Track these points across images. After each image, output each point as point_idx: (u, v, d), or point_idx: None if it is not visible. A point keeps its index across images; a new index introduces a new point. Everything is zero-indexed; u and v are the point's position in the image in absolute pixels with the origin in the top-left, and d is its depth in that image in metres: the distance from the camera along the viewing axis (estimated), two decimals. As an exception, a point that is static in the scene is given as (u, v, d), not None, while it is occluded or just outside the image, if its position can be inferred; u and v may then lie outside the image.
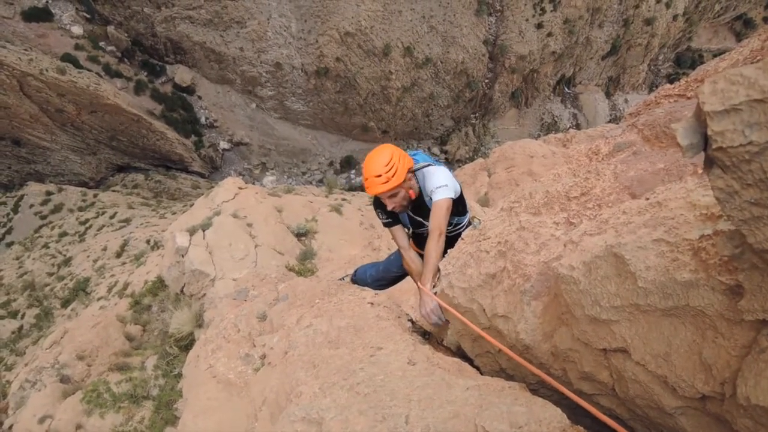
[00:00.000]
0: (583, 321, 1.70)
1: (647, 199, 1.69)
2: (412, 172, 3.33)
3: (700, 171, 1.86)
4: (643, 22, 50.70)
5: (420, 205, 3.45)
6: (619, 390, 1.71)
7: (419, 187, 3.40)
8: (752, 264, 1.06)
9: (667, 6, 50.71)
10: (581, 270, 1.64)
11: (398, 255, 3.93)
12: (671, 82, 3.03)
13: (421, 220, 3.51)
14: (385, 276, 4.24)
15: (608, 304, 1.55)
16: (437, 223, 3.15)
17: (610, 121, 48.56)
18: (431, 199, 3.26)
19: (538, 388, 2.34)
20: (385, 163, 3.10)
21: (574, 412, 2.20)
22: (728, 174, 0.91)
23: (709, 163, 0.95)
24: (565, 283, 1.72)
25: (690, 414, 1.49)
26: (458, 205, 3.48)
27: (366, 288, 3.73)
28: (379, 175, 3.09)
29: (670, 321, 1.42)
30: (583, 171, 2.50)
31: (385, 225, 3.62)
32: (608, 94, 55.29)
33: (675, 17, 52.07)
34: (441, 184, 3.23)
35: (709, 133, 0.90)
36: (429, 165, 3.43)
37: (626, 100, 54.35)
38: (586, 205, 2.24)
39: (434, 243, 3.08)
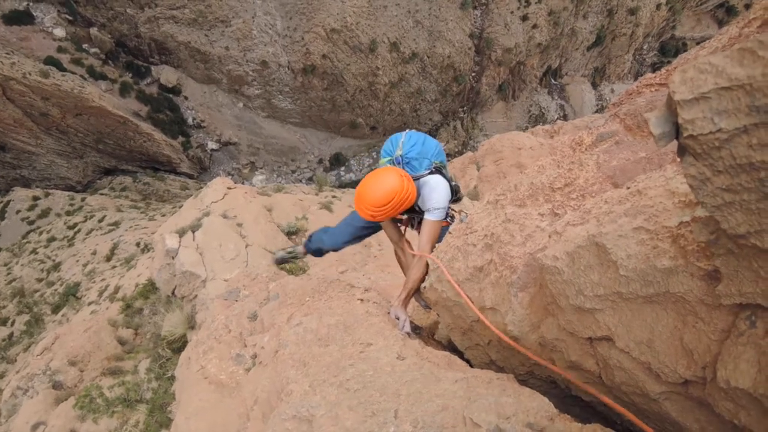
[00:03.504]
0: (568, 311, 1.72)
1: (628, 188, 1.71)
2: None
3: (679, 160, 1.89)
4: (627, 11, 51.00)
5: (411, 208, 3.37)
6: (606, 378, 1.73)
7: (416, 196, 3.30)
8: (728, 249, 1.08)
9: (650, -5, 51.12)
10: (565, 260, 1.65)
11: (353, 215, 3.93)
12: (656, 70, 3.03)
13: (407, 216, 3.51)
14: (356, 234, 4.12)
15: (592, 293, 1.57)
16: (424, 244, 3.15)
17: (597, 111, 48.85)
18: (424, 210, 3.24)
19: (527, 379, 2.36)
20: (381, 204, 2.91)
21: (564, 402, 2.23)
22: (700, 161, 0.93)
23: (682, 151, 0.96)
24: (549, 274, 1.74)
25: (674, 399, 1.52)
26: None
27: (356, 284, 3.71)
28: (367, 210, 2.95)
29: (651, 308, 1.44)
30: (567, 162, 2.52)
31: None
32: (594, 85, 55.60)
33: (658, 6, 52.41)
34: (440, 206, 3.18)
35: (680, 121, 0.91)
36: (432, 172, 3.30)
37: (612, 90, 54.68)
38: (570, 196, 2.26)
39: (416, 268, 3.08)
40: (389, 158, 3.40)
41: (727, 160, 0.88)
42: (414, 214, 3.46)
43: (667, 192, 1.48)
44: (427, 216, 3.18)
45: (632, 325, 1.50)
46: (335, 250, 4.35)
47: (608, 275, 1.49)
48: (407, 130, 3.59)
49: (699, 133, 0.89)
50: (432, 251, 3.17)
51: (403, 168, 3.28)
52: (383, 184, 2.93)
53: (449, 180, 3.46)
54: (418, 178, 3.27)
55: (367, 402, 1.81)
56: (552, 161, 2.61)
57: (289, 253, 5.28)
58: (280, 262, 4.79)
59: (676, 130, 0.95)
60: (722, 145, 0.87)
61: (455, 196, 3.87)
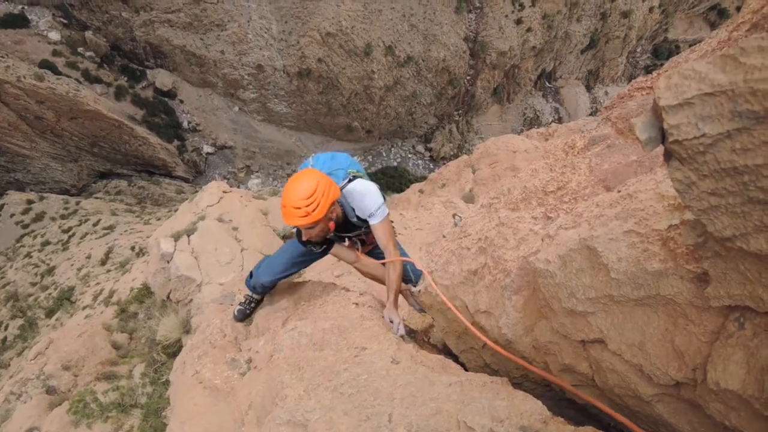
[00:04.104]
0: (560, 314, 1.73)
1: (619, 191, 1.73)
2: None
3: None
4: (620, 14, 51.38)
5: (344, 223, 3.27)
6: (599, 380, 1.74)
7: (342, 210, 3.20)
8: (715, 252, 1.09)
9: (643, -1, 51.51)
10: (557, 263, 1.66)
11: (291, 243, 3.67)
12: (649, 73, 3.04)
13: (347, 235, 3.40)
14: (292, 262, 3.74)
15: (584, 296, 1.58)
16: (386, 246, 3.12)
17: (591, 114, 49.11)
18: (363, 219, 3.15)
19: (521, 382, 2.37)
20: (306, 196, 2.80)
21: (558, 404, 2.24)
22: (685, 166, 0.94)
23: (668, 156, 0.98)
24: (542, 277, 1.75)
25: (666, 401, 1.53)
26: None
27: (351, 288, 3.69)
28: (299, 208, 2.81)
29: (643, 310, 1.45)
30: (560, 165, 2.54)
31: (323, 253, 3.41)
32: (589, 88, 55.94)
33: (651, 9, 52.84)
34: (378, 206, 3.09)
35: (666, 126, 0.92)
36: (351, 180, 3.17)
37: (606, 93, 55.02)
38: (562, 199, 2.27)
39: (392, 270, 3.07)
40: None
41: (711, 164, 0.90)
42: (357, 230, 3.37)
43: (657, 195, 1.49)
44: (372, 222, 3.12)
45: (624, 328, 1.51)
46: (272, 286, 3.90)
47: (600, 278, 1.50)
48: (313, 155, 3.53)
49: (684, 138, 0.90)
50: (395, 247, 3.18)
51: None
52: (303, 180, 2.89)
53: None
54: (341, 189, 3.13)
55: (362, 406, 1.81)
56: (545, 165, 2.63)
57: (247, 303, 4.21)
58: (241, 318, 4.03)
59: (662, 135, 0.96)
60: (707, 150, 0.89)
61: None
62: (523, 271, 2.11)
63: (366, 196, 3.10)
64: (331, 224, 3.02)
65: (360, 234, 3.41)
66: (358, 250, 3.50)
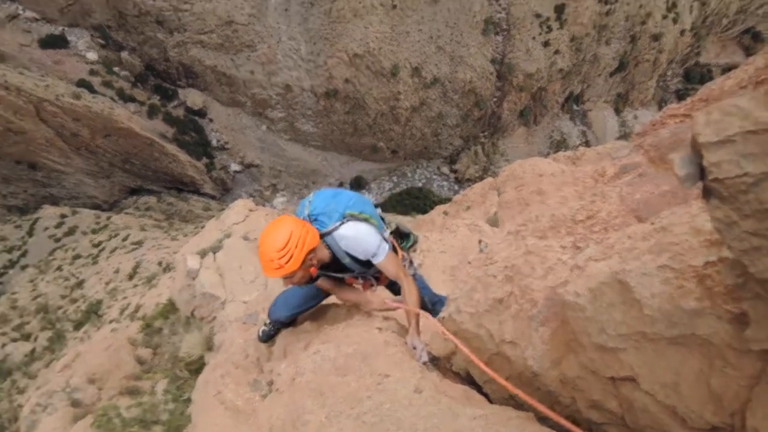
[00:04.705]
0: (590, 348, 1.68)
1: (652, 223, 1.68)
2: (321, 238, 3.03)
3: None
4: (651, 37, 50.87)
5: (334, 263, 3.18)
6: (629, 420, 1.68)
7: (331, 253, 3.09)
8: (756, 293, 1.05)
9: (674, 21, 50.88)
10: (587, 297, 1.62)
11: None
12: (680, 97, 2.98)
13: (340, 276, 3.33)
14: (309, 300, 3.73)
15: (614, 331, 1.53)
16: (396, 275, 3.09)
17: (619, 138, 48.37)
18: (368, 258, 3.07)
19: (547, 417, 2.30)
20: (279, 248, 2.73)
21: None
22: (726, 204, 0.91)
23: (707, 194, 0.95)
24: (571, 310, 1.70)
25: (701, 445, 1.46)
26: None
27: (369, 313, 3.59)
28: (272, 260, 2.75)
29: (677, 349, 1.39)
30: (589, 194, 2.50)
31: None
32: (617, 111, 55.31)
33: (682, 32, 52.20)
34: (374, 248, 3.02)
35: (705, 164, 0.90)
36: (341, 225, 3.05)
37: (635, 116, 54.30)
38: (592, 229, 2.23)
39: (409, 293, 3.03)
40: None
41: (753, 204, 0.86)
42: (365, 272, 3.31)
43: (692, 230, 1.44)
44: (376, 261, 3.06)
45: (657, 367, 1.46)
46: (290, 322, 3.83)
47: (632, 314, 1.46)
48: (317, 190, 3.45)
49: (725, 177, 0.87)
50: (406, 274, 3.14)
51: (312, 226, 3.09)
52: (277, 229, 2.82)
53: (384, 227, 3.35)
54: (330, 232, 3.05)
55: (384, 437, 1.78)
56: (574, 192, 2.59)
57: (271, 325, 4.13)
58: (265, 339, 3.98)
59: (701, 172, 0.94)
60: (749, 189, 0.86)
61: (410, 240, 3.77)
62: (551, 302, 2.06)
63: (360, 241, 3.02)
64: (313, 269, 2.95)
65: (366, 273, 3.34)
66: (373, 287, 3.46)
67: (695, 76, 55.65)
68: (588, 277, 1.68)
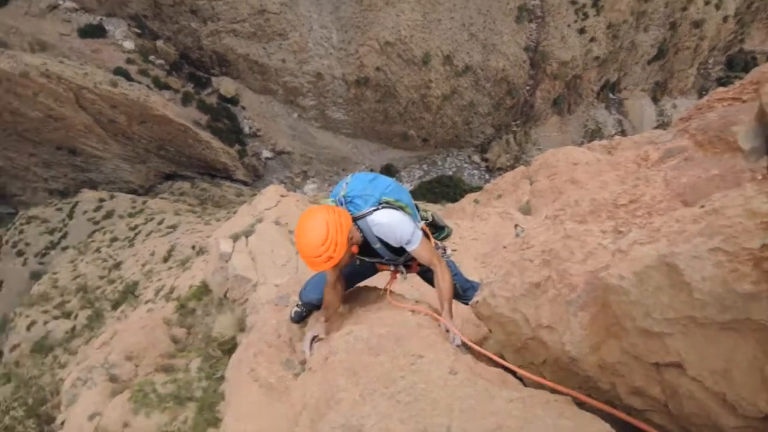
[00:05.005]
0: (633, 333, 1.64)
1: (702, 206, 1.62)
2: (354, 221, 3.00)
3: (760, 177, 1.77)
4: (692, 24, 48.96)
5: (365, 248, 3.16)
6: (673, 407, 1.63)
7: (362, 236, 3.08)
8: (822, 275, 1.00)
9: (717, 7, 48.83)
10: (632, 280, 1.58)
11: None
12: (722, 85, 2.84)
13: (371, 260, 3.35)
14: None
15: (661, 315, 1.49)
16: (430, 261, 3.09)
17: (657, 127, 46.93)
18: (401, 245, 3.07)
19: (583, 403, 2.26)
20: (321, 242, 2.66)
21: (623, 429, 2.12)
22: (796, 179, 0.86)
23: (774, 168, 0.90)
24: (614, 294, 1.66)
25: (751, 434, 1.41)
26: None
27: (406, 296, 3.66)
28: (318, 256, 2.69)
29: (728, 335, 1.34)
30: (632, 178, 2.42)
31: (370, 271, 3.52)
32: (655, 100, 53.58)
33: (725, 18, 50.07)
34: (409, 235, 3.00)
35: (775, 135, 0.85)
36: (375, 210, 3.04)
37: (674, 106, 52.51)
38: (635, 213, 2.16)
39: (442, 282, 3.05)
40: (333, 199, 3.21)
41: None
42: (396, 259, 3.31)
43: (747, 212, 1.38)
44: (411, 248, 3.05)
45: (706, 353, 1.41)
46: (320, 304, 3.71)
47: (680, 298, 1.41)
48: (356, 172, 3.43)
49: (796, 149, 0.83)
50: (440, 259, 3.17)
51: (346, 207, 3.08)
52: (312, 223, 2.75)
53: (418, 218, 3.36)
54: (364, 216, 3.03)
55: (419, 415, 1.78)
56: (615, 177, 2.52)
57: (303, 306, 4.10)
58: (298, 320, 3.97)
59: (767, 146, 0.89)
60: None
61: (444, 232, 3.77)
62: (591, 287, 2.02)
63: (394, 228, 3.00)
64: (354, 248, 2.96)
65: (396, 261, 3.36)
66: (403, 274, 3.49)
67: (738, 63, 53.39)
68: (632, 260, 1.64)
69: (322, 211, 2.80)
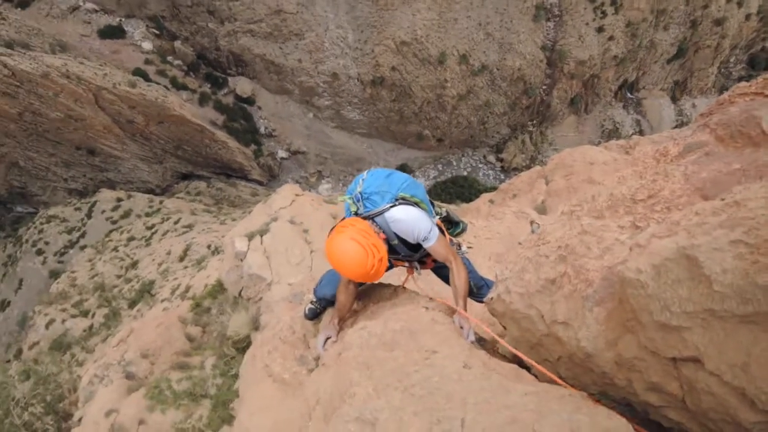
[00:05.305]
0: (650, 328, 1.61)
1: (723, 199, 1.59)
2: (372, 219, 3.04)
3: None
4: (713, 22, 48.19)
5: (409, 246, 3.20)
6: (690, 402, 1.60)
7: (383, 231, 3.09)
8: None
9: (740, 5, 48.04)
10: (649, 273, 1.55)
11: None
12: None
13: (407, 258, 3.36)
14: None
15: (679, 309, 1.46)
16: (446, 257, 3.10)
17: (675, 127, 46.25)
18: (417, 242, 3.09)
19: (599, 399, 2.23)
20: (368, 268, 2.73)
21: (640, 424, 2.09)
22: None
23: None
24: (631, 288, 1.63)
25: (772, 430, 1.38)
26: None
27: (417, 292, 3.64)
28: (373, 266, 2.75)
29: (749, 328, 1.32)
30: (650, 173, 2.39)
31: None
32: (674, 99, 52.83)
33: (748, 17, 49.21)
34: (426, 232, 3.02)
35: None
36: (391, 207, 3.05)
37: (694, 105, 51.73)
38: (653, 208, 2.13)
39: (458, 278, 3.05)
40: (350, 196, 3.23)
41: None
42: (411, 255, 3.31)
43: (769, 203, 1.36)
44: (427, 245, 3.06)
45: (725, 346, 1.38)
46: (330, 303, 3.80)
47: (699, 291, 1.38)
48: (371, 169, 3.44)
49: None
50: (455, 255, 3.16)
51: (363, 204, 3.11)
52: (348, 256, 2.75)
53: (433, 213, 3.39)
54: (381, 213, 3.04)
55: (433, 409, 1.77)
56: (633, 172, 2.48)
57: (317, 303, 4.08)
58: (312, 317, 3.96)
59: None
60: None
61: (459, 228, 3.80)
62: (607, 282, 1.99)
63: (411, 224, 3.02)
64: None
65: (412, 257, 3.35)
66: (417, 271, 3.49)
67: (761, 62, 52.42)
68: (651, 254, 1.61)
69: (352, 234, 2.80)
